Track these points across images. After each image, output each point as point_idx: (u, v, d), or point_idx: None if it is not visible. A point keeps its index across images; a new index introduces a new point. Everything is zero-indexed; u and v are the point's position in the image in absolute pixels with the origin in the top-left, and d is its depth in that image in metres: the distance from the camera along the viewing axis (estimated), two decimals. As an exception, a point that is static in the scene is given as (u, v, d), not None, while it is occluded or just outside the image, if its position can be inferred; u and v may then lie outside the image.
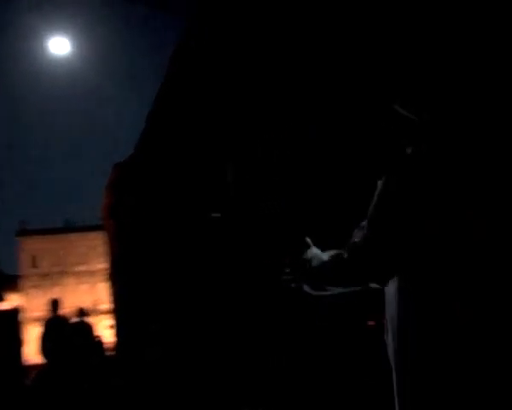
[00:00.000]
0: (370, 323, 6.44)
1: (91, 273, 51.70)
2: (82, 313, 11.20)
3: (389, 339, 1.86)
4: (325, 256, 2.02)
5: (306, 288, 2.11)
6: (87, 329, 10.74)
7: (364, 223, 1.82)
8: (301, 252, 2.15)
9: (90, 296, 50.53)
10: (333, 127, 6.47)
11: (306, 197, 6.83)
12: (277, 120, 7.57)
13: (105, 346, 13.33)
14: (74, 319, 11.03)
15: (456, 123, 1.78)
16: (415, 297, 1.74)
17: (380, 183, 1.80)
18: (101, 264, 42.48)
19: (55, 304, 10.20)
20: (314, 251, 2.13)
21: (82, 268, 52.72)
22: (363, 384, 5.38)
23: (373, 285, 1.89)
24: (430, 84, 1.82)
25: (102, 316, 41.92)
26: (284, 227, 6.88)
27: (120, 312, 23.50)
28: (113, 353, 20.73)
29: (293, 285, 2.19)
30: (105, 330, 25.71)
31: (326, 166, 6.65)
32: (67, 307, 12.21)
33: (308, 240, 2.20)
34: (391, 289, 1.84)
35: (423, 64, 1.91)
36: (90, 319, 11.63)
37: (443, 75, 1.88)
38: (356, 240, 1.84)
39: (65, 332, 9.74)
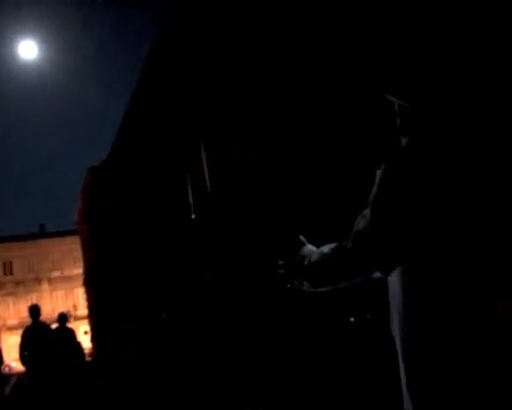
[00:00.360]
0: (351, 319, 6.45)
1: (67, 279, 51.03)
2: (63, 318, 10.93)
3: (396, 332, 1.82)
4: (325, 249, 1.94)
5: (306, 285, 2.01)
6: (70, 335, 10.55)
7: (367, 211, 1.78)
8: (296, 251, 2.06)
9: (67, 302, 49.92)
10: (309, 127, 6.48)
11: (283, 196, 6.83)
12: (254, 120, 7.56)
13: (84, 351, 13.20)
14: (55, 325, 10.79)
15: (453, 117, 1.77)
16: (415, 297, 1.71)
17: (379, 172, 1.77)
18: (77, 269, 41.93)
19: (34, 310, 9.88)
20: (310, 247, 2.05)
21: (57, 274, 52.01)
22: (362, 383, 5.36)
23: (377, 275, 1.83)
24: (421, 69, 1.80)
25: (79, 322, 41.42)
26: (262, 226, 6.86)
27: (97, 315, 23.29)
28: (90, 358, 20.53)
29: (288, 286, 2.10)
30: (82, 335, 25.42)
31: (302, 166, 6.65)
32: (44, 314, 11.99)
33: (302, 238, 2.11)
34: (394, 279, 1.80)
35: (413, 51, 1.88)
36: (69, 325, 11.46)
37: (436, 59, 1.85)
38: (360, 228, 1.78)
39: (47, 339, 9.51)
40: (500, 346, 1.58)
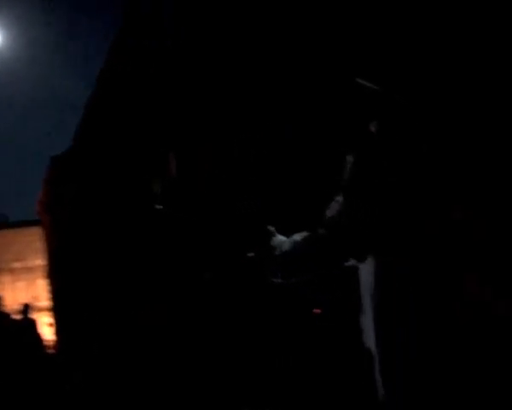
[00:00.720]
0: (316, 310, 6.46)
1: (29, 270, 50.09)
2: (26, 309, 10.83)
3: (368, 325, 1.81)
4: (297, 238, 1.93)
5: (276, 276, 1.99)
6: (32, 326, 10.46)
7: (339, 198, 1.75)
8: (265, 242, 2.02)
9: (29, 293, 49.04)
10: (309, 127, 6.45)
11: (283, 197, 6.77)
12: (253, 120, 7.49)
13: (45, 343, 13.08)
14: (17, 316, 10.69)
15: (453, 116, 1.76)
16: (414, 297, 1.69)
17: (350, 158, 1.74)
18: (40, 260, 41.22)
19: (-5, 301, 9.76)
20: (280, 238, 2.03)
21: (19, 265, 51.08)
22: (362, 383, 5.34)
23: (351, 262, 1.82)
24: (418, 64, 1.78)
25: (41, 313, 40.80)
26: (260, 227, 6.74)
27: (62, 307, 22.97)
28: (53, 351, 20.26)
29: (260, 278, 2.07)
30: (44, 327, 25.03)
31: (302, 166, 6.62)
32: (6, 305, 11.83)
33: (271, 229, 2.08)
34: (369, 270, 1.79)
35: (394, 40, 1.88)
36: (31, 317, 11.30)
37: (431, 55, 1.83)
38: (333, 215, 1.76)
39: (10, 330, 9.41)
40: (499, 345, 1.58)
